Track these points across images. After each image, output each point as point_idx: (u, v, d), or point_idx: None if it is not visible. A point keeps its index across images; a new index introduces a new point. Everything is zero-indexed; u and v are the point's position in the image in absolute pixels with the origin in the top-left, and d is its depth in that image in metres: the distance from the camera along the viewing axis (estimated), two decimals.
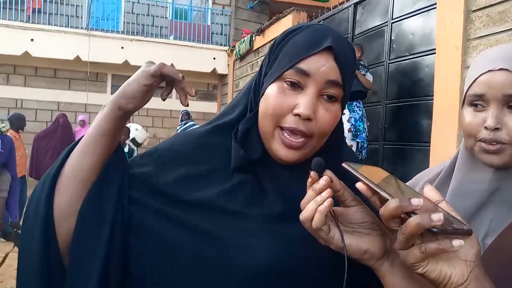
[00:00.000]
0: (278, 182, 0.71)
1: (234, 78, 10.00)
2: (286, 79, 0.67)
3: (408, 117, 4.61)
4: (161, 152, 0.77)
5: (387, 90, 4.95)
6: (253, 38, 8.75)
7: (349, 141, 4.37)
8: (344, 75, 0.68)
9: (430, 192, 0.57)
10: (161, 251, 0.66)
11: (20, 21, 9.40)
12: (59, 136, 6.32)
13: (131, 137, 5.92)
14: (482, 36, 3.37)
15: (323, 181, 0.59)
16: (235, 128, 0.74)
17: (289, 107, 0.67)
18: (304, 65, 0.66)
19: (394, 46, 4.91)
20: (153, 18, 10.72)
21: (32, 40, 9.21)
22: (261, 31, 8.38)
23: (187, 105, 0.70)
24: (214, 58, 10.48)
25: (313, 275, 0.66)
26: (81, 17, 10.21)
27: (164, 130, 10.50)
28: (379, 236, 0.62)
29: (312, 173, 0.60)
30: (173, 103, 9.92)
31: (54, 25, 9.59)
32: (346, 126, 4.41)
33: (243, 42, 9.21)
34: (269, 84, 0.69)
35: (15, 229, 4.37)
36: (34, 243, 0.66)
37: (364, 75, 4.54)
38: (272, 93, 0.68)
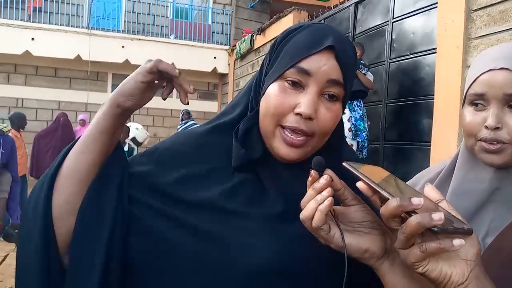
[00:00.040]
0: (279, 182, 0.71)
1: (235, 77, 10.00)
2: (287, 78, 0.67)
3: (409, 117, 4.60)
4: (161, 151, 0.76)
5: (388, 89, 4.95)
6: (254, 37, 8.74)
7: (349, 141, 4.37)
8: (345, 74, 0.68)
9: (431, 192, 0.57)
10: (161, 251, 0.66)
11: (21, 20, 9.40)
12: (60, 135, 6.32)
13: (131, 136, 5.92)
14: (483, 36, 3.36)
15: (323, 180, 0.59)
16: (235, 128, 0.73)
17: (290, 106, 0.67)
18: (305, 64, 0.66)
19: (395, 45, 4.91)
20: (154, 17, 10.72)
21: (32, 39, 9.21)
22: (261, 30, 8.38)
23: (187, 104, 0.70)
24: (215, 57, 10.47)
25: (314, 274, 0.66)
26: (82, 16, 10.20)
27: (164, 129, 10.50)
28: (380, 235, 0.62)
29: (312, 172, 0.60)
30: (173, 102, 9.90)
31: (55, 24, 9.59)
32: (347, 125, 4.40)
33: (243, 41, 9.20)
34: (270, 83, 0.69)
35: (16, 231, 4.39)
36: (33, 243, 0.65)
37: (364, 74, 4.53)
38: (273, 92, 0.68)
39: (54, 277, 0.66)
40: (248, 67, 9.20)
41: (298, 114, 0.66)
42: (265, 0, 10.79)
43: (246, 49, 9.06)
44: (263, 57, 0.87)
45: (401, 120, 4.78)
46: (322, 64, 0.66)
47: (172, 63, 0.68)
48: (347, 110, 4.39)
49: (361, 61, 4.53)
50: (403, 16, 4.78)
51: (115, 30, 10.11)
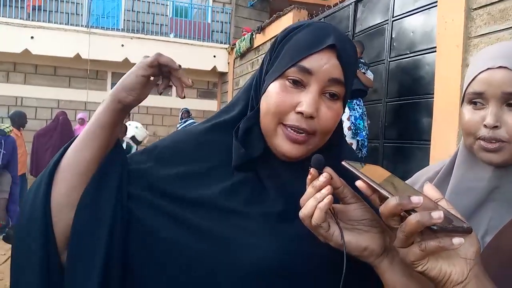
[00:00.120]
0: (279, 181, 0.71)
1: (234, 76, 9.99)
2: (288, 77, 0.67)
3: (409, 115, 4.60)
4: (161, 149, 0.76)
5: (388, 88, 4.95)
6: (254, 36, 8.73)
7: (349, 139, 4.37)
8: (346, 73, 0.68)
9: (430, 190, 0.57)
10: (160, 249, 0.66)
11: (20, 18, 9.38)
12: (59, 134, 6.31)
13: (131, 135, 5.91)
14: (483, 34, 3.36)
15: (322, 178, 0.59)
16: (235, 126, 0.73)
17: (292, 105, 0.67)
18: (306, 63, 0.66)
19: (394, 44, 4.91)
20: (153, 16, 10.70)
21: (32, 37, 9.19)
22: (261, 29, 8.37)
23: (184, 97, 0.70)
24: (214, 56, 10.46)
25: (314, 273, 0.66)
26: (81, 15, 10.18)
27: (164, 128, 10.49)
28: (379, 233, 0.62)
29: (311, 170, 0.60)
30: (173, 101, 9.94)
31: (54, 22, 9.57)
32: (346, 124, 4.40)
33: (243, 40, 9.19)
34: (271, 82, 0.69)
35: None
36: (32, 240, 0.65)
37: (364, 73, 4.53)
38: (274, 90, 0.68)
39: (54, 277, 0.65)
40: (248, 65, 9.19)
41: (300, 112, 0.66)
42: None
43: (246, 48, 9.05)
44: (263, 55, 0.87)
45: (400, 119, 4.78)
46: (323, 63, 0.66)
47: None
48: (346, 109, 4.39)
49: (361, 60, 4.53)
50: (403, 15, 4.78)
51: (114, 28, 10.10)
